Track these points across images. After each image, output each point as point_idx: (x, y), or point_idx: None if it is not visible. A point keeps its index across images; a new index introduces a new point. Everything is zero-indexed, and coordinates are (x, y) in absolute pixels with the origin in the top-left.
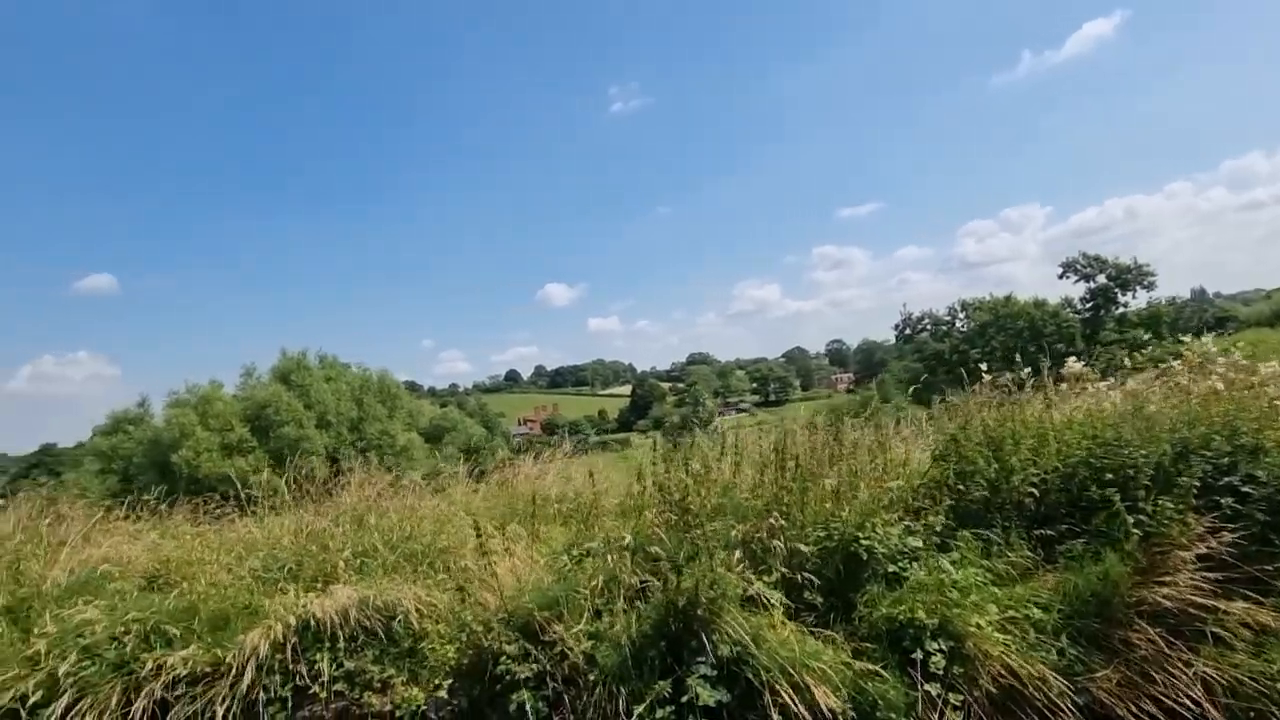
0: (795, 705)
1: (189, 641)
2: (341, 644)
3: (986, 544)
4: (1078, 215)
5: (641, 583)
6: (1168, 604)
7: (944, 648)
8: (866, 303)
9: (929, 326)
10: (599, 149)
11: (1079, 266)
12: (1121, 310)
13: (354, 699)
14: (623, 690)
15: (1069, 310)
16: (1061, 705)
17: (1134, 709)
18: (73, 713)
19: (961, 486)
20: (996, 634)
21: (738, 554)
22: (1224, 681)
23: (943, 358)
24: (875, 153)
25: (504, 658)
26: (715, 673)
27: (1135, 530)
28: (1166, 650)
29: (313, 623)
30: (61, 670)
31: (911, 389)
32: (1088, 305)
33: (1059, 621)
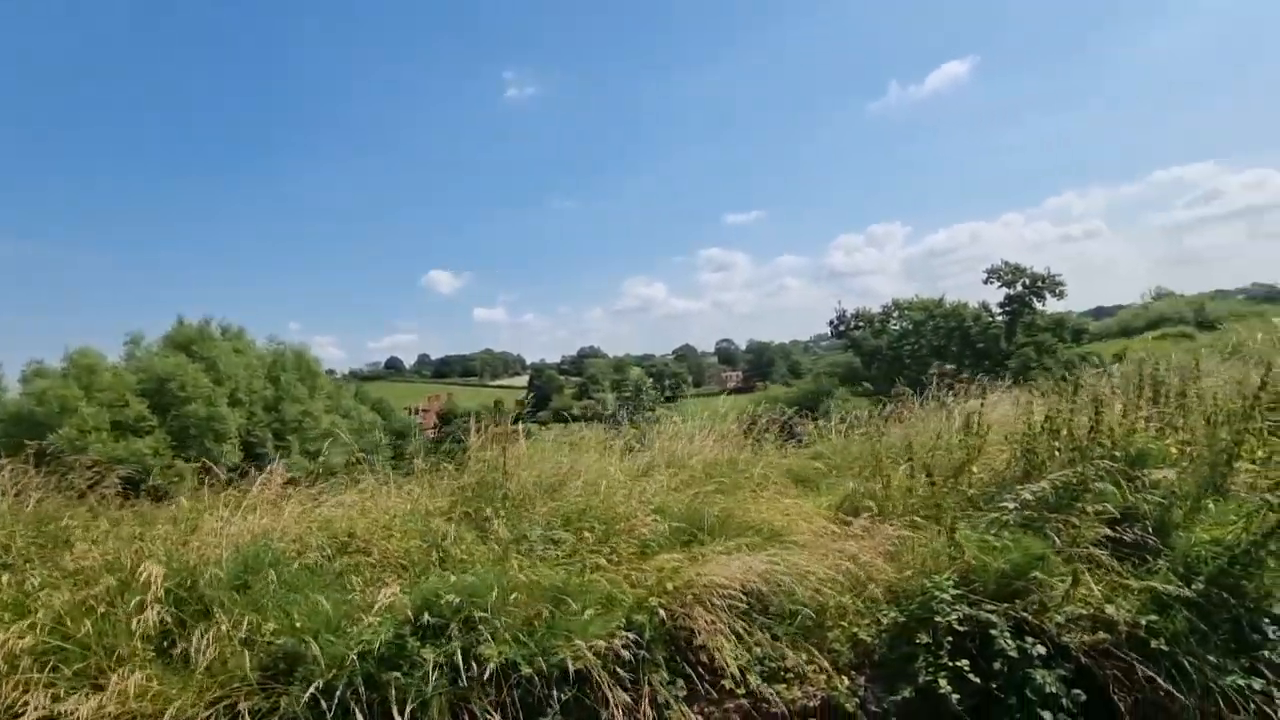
0: None
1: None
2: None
3: None
4: (931, 236)
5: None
6: None
7: None
8: (748, 306)
9: (862, 325)
10: (489, 135)
11: (1001, 274)
12: (1031, 316)
13: (758, 691)
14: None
15: (986, 314)
16: None
17: None
18: None
19: None
20: None
21: None
22: None
23: (879, 353)
24: (761, 163)
25: (995, 630)
26: None
27: None
28: None
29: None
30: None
31: (866, 384)
32: (1005, 310)
33: None
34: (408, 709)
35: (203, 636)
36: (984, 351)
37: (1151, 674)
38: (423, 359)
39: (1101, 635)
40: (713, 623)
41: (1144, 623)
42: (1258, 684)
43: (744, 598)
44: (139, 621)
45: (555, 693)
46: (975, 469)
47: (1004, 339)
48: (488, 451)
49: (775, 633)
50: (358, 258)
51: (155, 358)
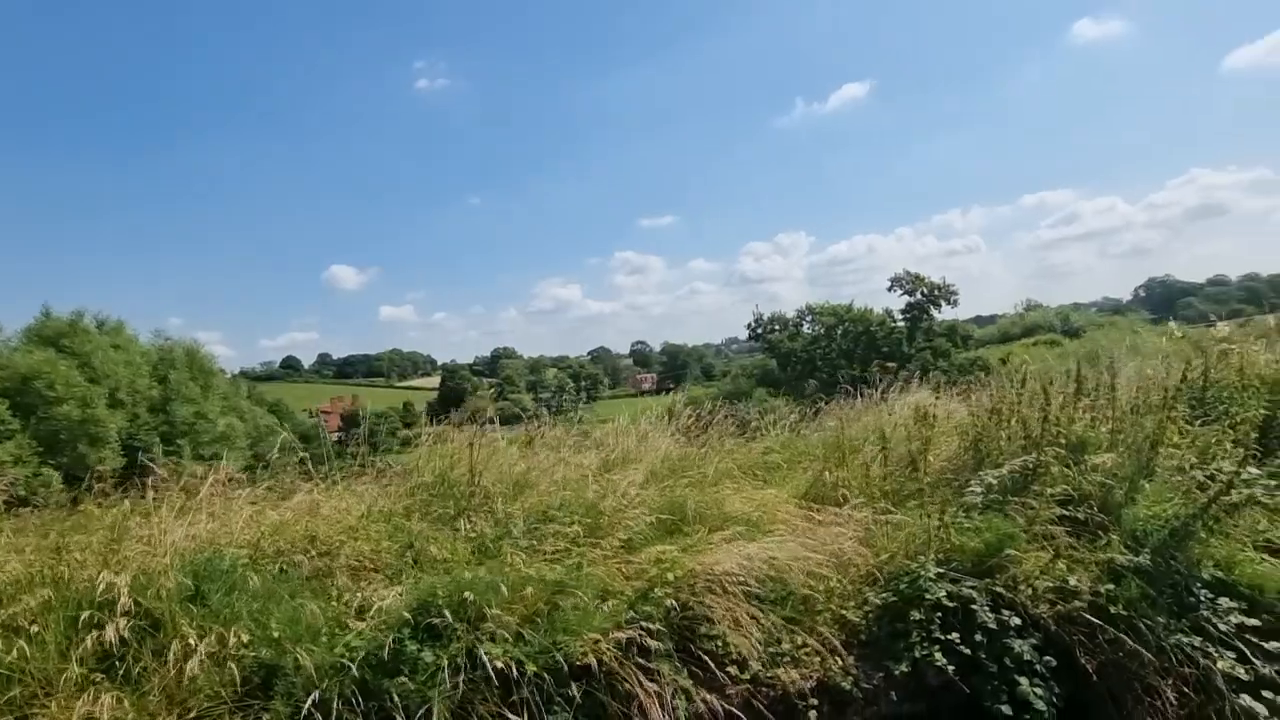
0: None
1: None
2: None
3: None
4: (833, 246)
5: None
6: None
7: None
8: (661, 309)
9: (777, 328)
10: (398, 127)
11: (904, 283)
12: (928, 322)
13: (762, 677)
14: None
15: (890, 320)
16: None
17: None
18: None
19: None
20: None
21: None
22: None
23: (794, 356)
24: (675, 170)
25: (976, 605)
26: None
27: None
28: None
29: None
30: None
31: (807, 384)
32: (906, 316)
33: None
34: (414, 715)
35: (181, 651)
36: (888, 355)
37: (1114, 635)
38: (323, 358)
39: (1076, 604)
40: (730, 610)
41: (1103, 591)
42: (1197, 641)
43: (754, 584)
44: (94, 639)
45: (569, 689)
46: (930, 457)
47: (905, 343)
48: (440, 448)
49: (770, 618)
50: (249, 249)
51: (16, 353)
